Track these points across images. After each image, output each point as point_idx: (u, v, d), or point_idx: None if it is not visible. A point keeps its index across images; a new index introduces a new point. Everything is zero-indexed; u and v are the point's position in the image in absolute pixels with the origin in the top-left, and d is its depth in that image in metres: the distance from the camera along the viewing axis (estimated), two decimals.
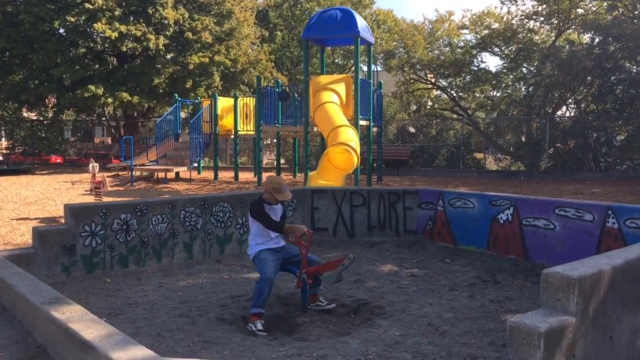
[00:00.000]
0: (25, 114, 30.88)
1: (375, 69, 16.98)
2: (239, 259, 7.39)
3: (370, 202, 8.49)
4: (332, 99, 13.49)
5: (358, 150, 12.20)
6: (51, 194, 13.89)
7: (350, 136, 12.33)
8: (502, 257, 7.18)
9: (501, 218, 7.29)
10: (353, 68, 17.35)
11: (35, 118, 31.26)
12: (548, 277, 3.23)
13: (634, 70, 19.65)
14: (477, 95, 27.16)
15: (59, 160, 26.83)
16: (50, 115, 29.45)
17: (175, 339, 4.41)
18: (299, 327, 4.86)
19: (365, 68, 17.38)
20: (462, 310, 5.21)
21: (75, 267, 6.27)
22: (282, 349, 4.25)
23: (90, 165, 13.04)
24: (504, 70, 24.84)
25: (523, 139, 22.33)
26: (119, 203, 6.87)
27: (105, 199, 10.96)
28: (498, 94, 26.43)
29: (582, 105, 22.14)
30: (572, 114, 23.27)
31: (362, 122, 14.24)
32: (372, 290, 5.93)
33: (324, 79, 14.53)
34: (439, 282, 6.26)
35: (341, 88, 13.99)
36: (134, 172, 16.85)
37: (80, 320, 3.69)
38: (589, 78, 20.22)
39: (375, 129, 15.99)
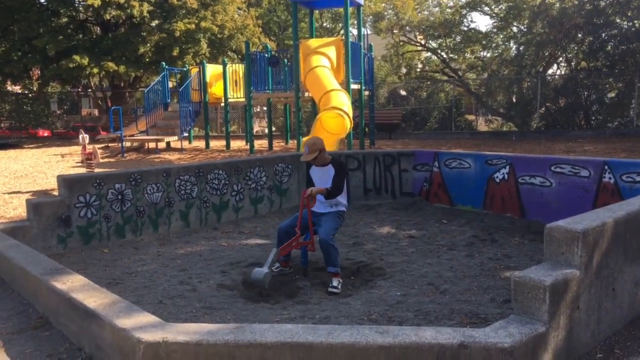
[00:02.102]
0: (9, 88, 30.27)
1: (365, 32, 16.69)
2: (236, 226, 7.37)
3: (366, 165, 8.46)
4: (322, 63, 13.28)
5: (351, 114, 12.09)
6: (41, 167, 13.72)
7: (343, 100, 12.20)
8: (498, 215, 7.22)
9: (497, 177, 7.30)
10: (342, 31, 17.06)
11: (20, 91, 30.68)
12: (552, 232, 3.23)
13: (625, 26, 19.46)
14: (468, 56, 26.86)
15: (46, 134, 26.43)
16: (35, 88, 28.91)
17: (177, 305, 4.40)
18: (300, 290, 4.88)
19: (354, 31, 17.07)
20: (462, 269, 5.24)
21: (71, 239, 6.23)
22: (284, 312, 4.25)
23: (80, 136, 12.86)
24: (494, 30, 24.55)
25: (514, 99, 22.23)
26: (113, 173, 6.77)
27: (97, 170, 10.84)
28: (488, 54, 26.17)
29: (573, 63, 21.98)
30: (563, 72, 23.15)
31: (354, 86, 14.09)
32: (371, 252, 5.95)
33: (314, 42, 14.28)
34: (437, 242, 6.29)
35: (331, 51, 13.77)
36: (124, 143, 16.66)
37: (82, 290, 3.67)
38: (579, 35, 20.02)
39: (366, 93, 15.83)
